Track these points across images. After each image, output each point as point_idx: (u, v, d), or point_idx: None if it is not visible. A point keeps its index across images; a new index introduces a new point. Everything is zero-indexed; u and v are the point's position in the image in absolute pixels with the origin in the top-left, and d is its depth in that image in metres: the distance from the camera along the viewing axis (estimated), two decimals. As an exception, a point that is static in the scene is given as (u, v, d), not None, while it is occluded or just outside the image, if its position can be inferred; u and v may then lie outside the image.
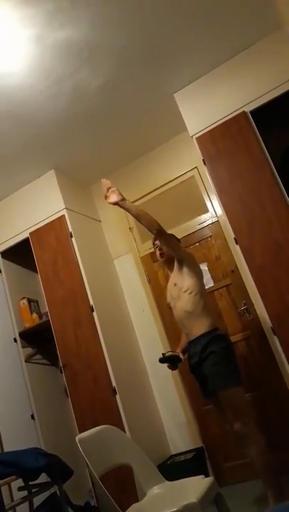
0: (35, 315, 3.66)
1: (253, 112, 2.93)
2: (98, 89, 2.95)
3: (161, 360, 2.55)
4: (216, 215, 3.49)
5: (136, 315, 3.76)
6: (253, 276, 2.75)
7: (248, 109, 2.94)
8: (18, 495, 2.50)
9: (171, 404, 3.48)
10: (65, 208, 3.53)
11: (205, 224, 3.54)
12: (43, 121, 3.07)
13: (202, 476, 2.01)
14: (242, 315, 3.29)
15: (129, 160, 3.93)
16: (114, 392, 3.09)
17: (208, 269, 3.41)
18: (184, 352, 2.64)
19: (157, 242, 2.63)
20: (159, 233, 2.42)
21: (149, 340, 3.65)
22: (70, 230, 3.47)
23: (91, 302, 3.30)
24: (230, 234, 2.93)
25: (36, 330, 3.63)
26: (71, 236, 3.45)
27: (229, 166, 2.94)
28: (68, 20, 2.37)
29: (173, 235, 2.60)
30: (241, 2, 2.62)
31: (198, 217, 3.56)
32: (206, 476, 2.10)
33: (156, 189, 3.77)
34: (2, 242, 3.76)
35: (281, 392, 3.01)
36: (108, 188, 2.41)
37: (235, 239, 2.84)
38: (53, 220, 3.55)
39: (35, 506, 2.62)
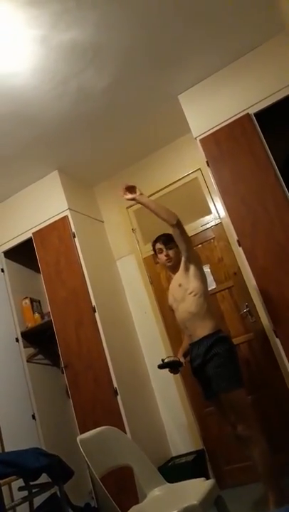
0: (37, 315, 3.66)
1: (257, 114, 2.93)
2: (102, 90, 2.95)
3: (160, 367, 2.55)
4: (219, 217, 3.49)
5: (138, 316, 3.76)
6: (255, 278, 2.74)
7: (252, 111, 2.94)
8: (18, 495, 2.50)
9: (172, 406, 3.48)
10: (68, 209, 3.53)
11: (208, 226, 3.54)
12: (47, 122, 3.08)
13: (203, 479, 2.01)
14: (244, 317, 3.28)
15: (132, 161, 3.93)
16: (115, 392, 3.09)
17: (211, 271, 3.41)
18: (185, 355, 2.64)
19: (162, 246, 2.61)
20: (179, 224, 2.44)
21: (151, 341, 3.64)
22: (73, 230, 3.47)
23: (93, 303, 3.30)
24: (233, 236, 2.92)
25: (38, 330, 3.63)
26: (74, 236, 3.46)
27: (233, 167, 2.94)
28: (74, 21, 2.37)
29: None
30: (246, 4, 2.61)
31: (201, 219, 3.56)
32: (207, 478, 2.09)
33: (160, 190, 3.77)
34: (5, 242, 3.77)
35: (283, 394, 3.01)
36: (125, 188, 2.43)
37: (238, 241, 2.84)
38: (56, 221, 3.56)
39: (35, 506, 2.62)
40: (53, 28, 2.37)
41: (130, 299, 3.84)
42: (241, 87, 3.02)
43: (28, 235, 3.66)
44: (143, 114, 3.36)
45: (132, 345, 3.62)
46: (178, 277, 2.54)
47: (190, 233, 3.35)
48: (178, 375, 3.44)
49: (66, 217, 3.52)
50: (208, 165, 3.04)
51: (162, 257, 2.63)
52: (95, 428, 2.15)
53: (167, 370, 2.61)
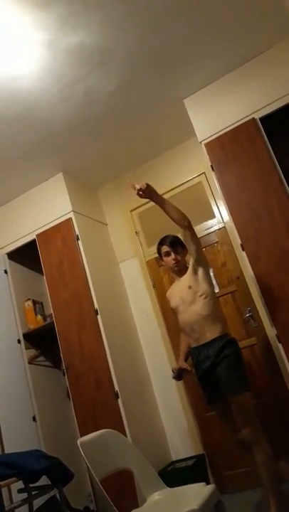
0: (39, 317, 3.66)
1: (262, 119, 2.93)
2: (109, 93, 2.96)
3: (178, 377, 2.63)
4: (223, 221, 3.49)
5: (140, 319, 3.76)
6: (258, 283, 2.74)
7: (257, 116, 2.94)
8: (18, 497, 2.49)
9: (173, 410, 3.47)
10: (72, 211, 3.54)
11: (211, 230, 3.54)
12: (53, 125, 3.09)
13: (203, 483, 2.00)
14: (247, 322, 3.27)
15: (137, 164, 3.94)
16: (116, 395, 3.08)
17: (214, 275, 3.40)
18: (186, 359, 2.63)
19: (170, 249, 2.58)
20: (190, 226, 2.44)
21: (153, 344, 3.64)
22: (77, 232, 3.48)
23: (96, 305, 3.30)
24: (236, 240, 2.92)
25: (40, 332, 3.63)
26: (78, 239, 3.46)
27: (237, 172, 2.94)
28: (80, 24, 2.38)
29: None
30: (252, 10, 2.62)
31: (205, 223, 3.56)
32: (207, 483, 2.08)
33: (164, 194, 3.72)
34: (9, 243, 3.77)
35: (285, 400, 2.99)
36: (136, 187, 2.37)
37: (241, 245, 2.84)
38: (60, 223, 3.56)
39: (34, 509, 2.61)
40: (59, 31, 2.38)
41: (132, 301, 3.83)
42: (247, 91, 3.02)
43: (32, 236, 3.67)
44: (148, 117, 3.37)
45: (134, 348, 3.61)
46: (186, 280, 2.52)
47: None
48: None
49: (70, 219, 3.53)
50: (212, 169, 3.04)
51: (169, 260, 2.60)
52: (95, 431, 2.15)
53: (172, 377, 2.63)
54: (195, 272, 2.49)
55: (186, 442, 3.39)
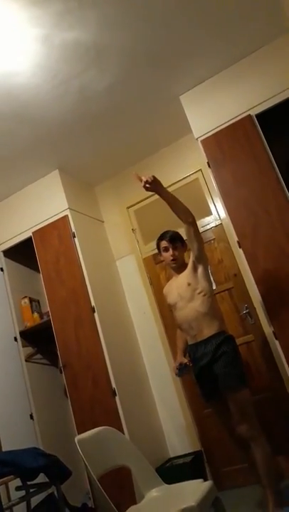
0: (36, 314, 3.66)
1: (258, 116, 2.93)
2: (104, 90, 2.95)
3: (181, 373, 2.58)
4: (220, 218, 3.49)
5: (137, 316, 3.76)
6: (255, 280, 2.74)
7: (253, 112, 2.94)
8: (15, 495, 2.49)
9: (171, 407, 3.47)
10: (69, 208, 3.53)
11: (208, 227, 3.54)
12: (49, 122, 3.07)
13: (201, 480, 2.01)
14: (244, 319, 3.28)
15: (133, 161, 3.93)
16: (113, 393, 3.08)
17: (211, 272, 3.40)
18: (184, 355, 2.64)
19: (169, 245, 2.57)
20: (194, 223, 2.44)
21: (150, 342, 3.64)
22: (73, 230, 3.47)
23: (92, 303, 3.30)
24: (233, 237, 2.92)
25: (37, 329, 3.63)
26: (74, 236, 3.45)
27: (234, 169, 2.93)
28: (76, 21, 2.37)
29: None
30: (248, 6, 2.61)
31: (202, 220, 3.56)
32: (205, 479, 2.09)
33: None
34: (5, 241, 3.76)
35: (282, 396, 3.01)
36: (143, 179, 2.32)
37: (238, 242, 2.84)
38: (56, 220, 3.55)
39: (32, 506, 2.62)
40: (55, 28, 2.36)
41: (130, 299, 3.83)
42: (243, 88, 3.01)
43: (28, 234, 3.66)
44: (144, 114, 3.36)
45: (131, 345, 3.62)
46: (185, 276, 2.52)
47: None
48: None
49: (66, 216, 3.52)
50: (209, 166, 3.03)
51: (167, 255, 2.59)
52: (93, 428, 2.14)
53: (177, 374, 2.62)
54: (195, 269, 2.49)
55: (184, 439, 3.40)
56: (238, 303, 3.32)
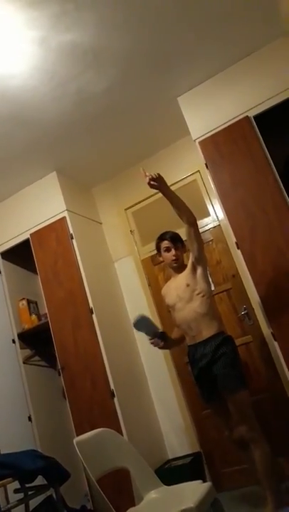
0: (34, 316, 3.65)
1: (256, 117, 2.94)
2: (102, 92, 2.95)
3: (137, 324, 2.47)
4: (218, 219, 3.49)
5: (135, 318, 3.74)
6: (254, 281, 2.74)
7: (251, 114, 2.94)
8: (14, 497, 2.48)
9: (170, 408, 3.47)
10: (66, 210, 3.52)
11: (206, 228, 3.54)
12: (46, 124, 3.07)
13: (200, 481, 2.00)
14: (242, 320, 3.28)
15: (131, 163, 3.93)
16: (112, 394, 3.08)
17: (209, 273, 3.40)
18: (170, 343, 2.58)
19: (171, 245, 2.56)
20: (196, 224, 2.46)
21: (148, 343, 3.62)
22: (71, 231, 3.46)
23: (91, 304, 3.29)
24: (231, 238, 2.92)
25: (35, 331, 3.62)
26: (72, 238, 3.45)
27: (232, 170, 2.94)
28: (73, 23, 2.37)
29: None
30: (246, 9, 2.62)
31: (200, 221, 3.53)
32: (204, 481, 2.09)
33: (158, 192, 3.75)
34: (2, 243, 3.76)
35: (281, 397, 3.01)
36: (148, 176, 2.34)
37: (236, 243, 2.84)
38: (54, 222, 3.55)
39: (31, 509, 2.60)
40: (52, 30, 2.36)
41: (128, 300, 3.83)
42: (240, 90, 3.02)
43: (26, 236, 3.66)
44: (142, 116, 3.36)
45: (129, 346, 3.61)
46: (184, 277, 2.52)
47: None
48: (175, 376, 3.45)
49: (64, 218, 3.51)
50: (207, 167, 3.04)
51: (169, 255, 2.58)
52: (91, 430, 2.14)
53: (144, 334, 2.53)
54: (194, 270, 2.49)
55: (183, 440, 3.39)
56: (237, 304, 3.33)
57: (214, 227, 3.52)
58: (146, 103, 3.23)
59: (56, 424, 3.46)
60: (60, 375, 3.32)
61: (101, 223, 4.05)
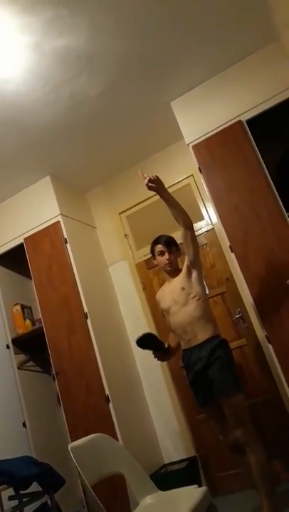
0: (28, 321, 3.63)
1: (249, 122, 2.96)
2: (95, 97, 2.96)
3: (141, 342, 2.45)
4: (212, 223, 3.50)
5: (130, 322, 3.75)
6: (248, 284, 2.75)
7: (244, 118, 2.96)
8: (8, 504, 2.46)
9: (165, 413, 3.46)
10: (60, 214, 3.52)
11: (200, 232, 3.54)
12: (40, 128, 3.07)
13: (195, 486, 2.00)
14: (237, 323, 3.28)
15: (125, 167, 3.94)
16: (107, 400, 3.06)
17: (204, 277, 3.41)
18: (169, 353, 2.57)
19: (165, 248, 2.56)
20: (192, 227, 2.47)
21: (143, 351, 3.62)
22: (65, 236, 3.46)
23: (85, 309, 3.28)
24: (225, 242, 2.93)
25: (29, 336, 3.60)
26: (66, 242, 3.44)
27: (225, 174, 2.95)
28: (67, 28, 2.38)
29: None
30: (238, 14, 2.65)
31: (194, 225, 3.55)
32: (199, 485, 2.08)
33: (152, 196, 3.76)
34: (-4, 248, 3.74)
35: (275, 400, 3.01)
36: (146, 178, 2.34)
37: (230, 247, 2.85)
38: (48, 226, 3.54)
39: (25, 516, 2.58)
40: (45, 35, 2.37)
41: (122, 304, 3.82)
42: (233, 94, 3.05)
43: (20, 240, 3.64)
44: (136, 120, 3.37)
45: (124, 351, 3.60)
46: (179, 281, 2.52)
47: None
48: (170, 381, 3.45)
49: (58, 222, 3.51)
50: (200, 171, 3.05)
51: (163, 259, 2.58)
52: (86, 435, 2.13)
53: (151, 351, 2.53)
54: (189, 273, 2.49)
55: (178, 445, 3.38)
56: (231, 307, 3.33)
57: (208, 230, 3.53)
58: (140, 107, 3.24)
59: (51, 429, 3.44)
60: (54, 380, 3.31)
61: (95, 227, 4.05)
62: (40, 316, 3.45)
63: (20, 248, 3.64)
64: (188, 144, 3.15)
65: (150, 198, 3.78)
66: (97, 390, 3.10)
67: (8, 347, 3.52)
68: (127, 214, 3.92)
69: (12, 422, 3.25)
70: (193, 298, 2.45)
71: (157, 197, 3.70)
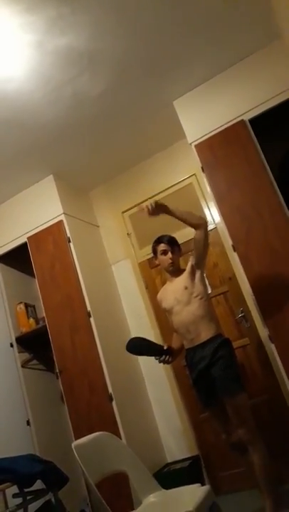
0: (32, 320, 3.65)
1: (251, 121, 2.95)
2: (98, 96, 2.96)
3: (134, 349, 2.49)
4: (214, 222, 3.50)
5: (133, 321, 3.76)
6: (250, 283, 2.75)
7: (246, 117, 2.96)
8: (12, 502, 2.47)
9: (168, 412, 3.47)
10: (64, 213, 3.53)
11: (203, 231, 3.54)
12: (42, 127, 3.08)
13: (198, 485, 2.01)
14: (239, 322, 3.29)
15: (127, 166, 3.94)
16: (110, 398, 3.07)
17: (206, 276, 3.41)
18: (173, 353, 2.57)
19: (167, 248, 2.56)
20: (206, 225, 2.47)
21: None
22: (68, 235, 3.47)
23: (88, 308, 3.29)
24: (228, 241, 2.93)
25: (33, 335, 3.61)
26: (69, 241, 3.45)
27: (227, 173, 2.95)
28: (69, 27, 2.38)
29: None
30: (240, 13, 2.64)
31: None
32: (202, 484, 2.09)
33: (155, 195, 3.78)
34: (0, 247, 3.75)
35: (278, 400, 3.01)
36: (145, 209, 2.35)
37: (233, 246, 2.85)
38: (51, 225, 3.55)
39: (29, 514, 2.60)
40: (47, 34, 2.37)
41: (125, 303, 3.83)
42: (236, 93, 3.04)
43: (23, 239, 3.65)
44: (138, 119, 3.37)
45: (127, 350, 3.60)
46: (182, 280, 2.52)
47: (185, 239, 3.32)
48: (173, 379, 3.45)
49: (61, 221, 3.52)
50: (203, 170, 3.05)
51: (166, 259, 2.57)
52: (90, 434, 2.14)
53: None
54: (193, 273, 2.50)
55: (181, 444, 3.39)
56: (234, 306, 3.33)
57: (210, 230, 3.49)
58: (142, 106, 3.24)
59: (54, 428, 3.46)
60: (58, 378, 3.32)
61: (98, 226, 4.06)
62: (44, 315, 3.46)
63: (23, 247, 3.65)
64: (190, 144, 3.15)
65: (153, 197, 3.78)
66: (100, 388, 3.11)
67: (12, 345, 3.54)
68: (130, 213, 3.92)
69: (16, 420, 3.27)
70: (196, 297, 2.46)
71: (160, 196, 3.77)
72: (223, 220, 2.91)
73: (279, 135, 3.02)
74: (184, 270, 2.57)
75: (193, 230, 2.48)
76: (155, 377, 3.55)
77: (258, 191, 2.83)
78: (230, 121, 3.00)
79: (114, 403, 3.06)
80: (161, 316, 3.45)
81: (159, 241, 2.63)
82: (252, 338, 3.22)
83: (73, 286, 3.36)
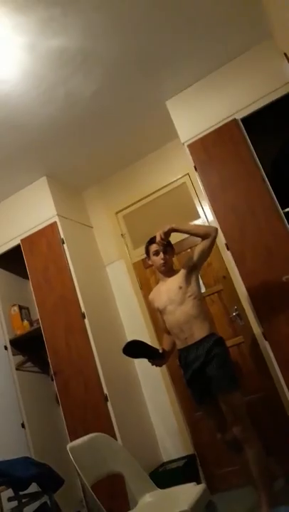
0: (26, 322, 3.63)
1: (243, 120, 2.96)
2: (90, 96, 2.96)
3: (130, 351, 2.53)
4: (208, 221, 3.50)
5: (128, 321, 3.75)
6: (244, 282, 2.76)
7: (238, 116, 2.97)
8: (8, 505, 2.46)
9: (163, 411, 3.47)
10: (57, 215, 3.52)
11: (196, 230, 3.54)
12: (35, 128, 3.07)
13: (194, 484, 2.01)
14: (233, 321, 3.29)
15: (121, 166, 3.94)
16: (105, 399, 3.07)
17: (200, 275, 3.42)
18: (166, 355, 2.59)
19: (160, 248, 2.57)
20: (215, 233, 2.53)
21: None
22: (62, 236, 3.46)
23: (83, 309, 3.28)
24: (221, 240, 2.93)
25: (27, 337, 3.60)
26: (63, 243, 3.44)
27: (221, 172, 2.96)
28: (61, 28, 2.38)
29: None
30: (232, 12, 2.65)
31: (190, 224, 3.57)
32: (198, 483, 2.09)
33: (148, 195, 3.79)
34: (-7, 249, 3.74)
35: (272, 397, 3.02)
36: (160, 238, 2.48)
37: (226, 245, 2.86)
38: (45, 227, 3.54)
39: (25, 516, 2.59)
40: (40, 35, 2.37)
41: (120, 304, 3.83)
42: (228, 92, 3.05)
43: (17, 241, 3.64)
44: (131, 119, 3.37)
45: (122, 350, 3.60)
46: (176, 280, 2.53)
47: (179, 238, 3.33)
48: (168, 379, 3.46)
49: (55, 223, 3.50)
50: (196, 170, 3.06)
51: (158, 259, 2.59)
52: (85, 435, 2.13)
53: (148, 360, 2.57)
54: (189, 274, 2.51)
55: (177, 443, 3.39)
56: (228, 305, 3.34)
57: (204, 229, 3.53)
58: (135, 107, 3.24)
59: (50, 430, 3.44)
60: (53, 380, 3.31)
61: (92, 227, 4.05)
62: (38, 317, 3.45)
63: (17, 249, 3.64)
64: (183, 143, 3.15)
65: (146, 197, 3.79)
66: (95, 389, 3.11)
67: (6, 348, 3.52)
68: (124, 213, 3.92)
69: (11, 422, 3.25)
70: (189, 297, 2.46)
71: (153, 196, 3.78)
72: (217, 219, 2.91)
73: (271, 133, 3.03)
74: (177, 270, 2.58)
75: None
76: (150, 377, 3.55)
77: (251, 190, 2.84)
78: (223, 120, 3.01)
79: (109, 404, 3.06)
80: (156, 316, 3.45)
81: (151, 241, 2.64)
82: (246, 336, 3.23)
83: (67, 287, 3.35)
